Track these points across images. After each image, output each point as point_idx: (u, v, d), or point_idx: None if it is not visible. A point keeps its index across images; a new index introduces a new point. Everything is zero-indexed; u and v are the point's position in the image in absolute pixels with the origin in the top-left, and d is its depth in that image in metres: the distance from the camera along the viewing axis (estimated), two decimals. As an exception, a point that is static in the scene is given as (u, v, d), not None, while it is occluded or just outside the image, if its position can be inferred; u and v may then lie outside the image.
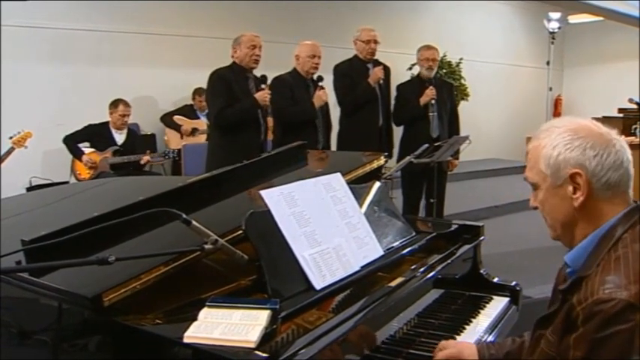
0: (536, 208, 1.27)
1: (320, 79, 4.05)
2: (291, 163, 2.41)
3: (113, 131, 5.23)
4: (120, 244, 1.56)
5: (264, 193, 1.61)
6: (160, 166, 5.99)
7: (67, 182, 4.95)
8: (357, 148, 3.48)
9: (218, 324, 1.24)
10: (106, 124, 5.23)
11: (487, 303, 2.06)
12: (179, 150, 5.68)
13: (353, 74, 4.33)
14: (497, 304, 2.07)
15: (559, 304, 1.20)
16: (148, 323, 1.32)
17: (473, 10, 9.44)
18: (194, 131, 6.03)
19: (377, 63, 4.38)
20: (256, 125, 3.81)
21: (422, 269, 1.83)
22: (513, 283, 2.16)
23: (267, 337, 1.22)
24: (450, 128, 4.58)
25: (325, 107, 4.13)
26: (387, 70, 4.44)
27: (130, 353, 1.31)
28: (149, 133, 6.10)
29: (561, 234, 1.25)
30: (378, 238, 1.84)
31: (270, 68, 4.01)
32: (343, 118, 4.43)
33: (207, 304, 1.31)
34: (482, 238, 2.21)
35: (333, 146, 4.44)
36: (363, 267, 1.70)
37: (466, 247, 2.12)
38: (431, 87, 4.40)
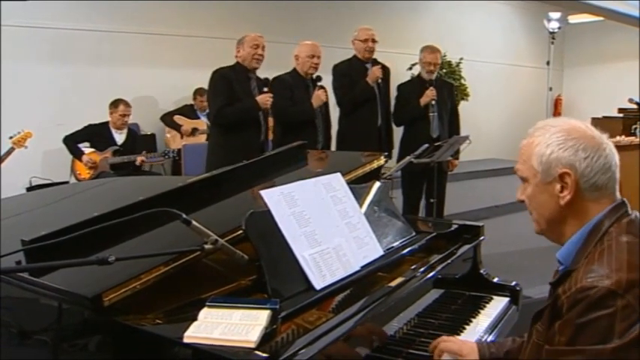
0: (522, 201, 1.32)
1: (319, 78, 4.05)
2: (291, 163, 2.41)
3: (113, 131, 5.23)
4: (120, 244, 1.56)
5: (264, 193, 1.61)
6: (160, 166, 5.99)
7: (67, 182, 4.95)
8: (356, 148, 3.48)
9: (218, 324, 1.24)
10: (106, 124, 5.23)
11: (487, 303, 2.06)
12: (179, 150, 5.68)
13: (352, 74, 4.34)
14: (498, 304, 2.07)
15: (549, 298, 1.24)
16: (148, 323, 1.32)
17: (473, 10, 9.44)
18: (194, 131, 6.03)
19: (376, 63, 4.38)
20: (256, 125, 3.81)
21: (422, 269, 1.83)
22: (513, 283, 2.16)
23: (267, 337, 1.22)
24: (450, 128, 4.58)
25: (325, 107, 4.13)
26: (386, 70, 4.44)
27: (130, 353, 1.31)
28: (149, 133, 6.10)
29: (545, 229, 1.30)
30: (378, 238, 1.84)
31: (270, 68, 4.01)
32: (342, 118, 4.43)
33: (207, 304, 1.31)
34: (482, 238, 2.21)
35: (333, 146, 4.44)
36: (363, 267, 1.70)
37: (466, 247, 2.12)
38: (431, 88, 4.40)
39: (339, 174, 1.88)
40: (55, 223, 1.58)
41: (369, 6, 7.62)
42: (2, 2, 5.00)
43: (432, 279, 1.88)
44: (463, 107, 7.96)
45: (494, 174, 8.47)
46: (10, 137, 4.45)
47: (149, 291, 1.40)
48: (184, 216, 1.39)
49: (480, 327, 1.89)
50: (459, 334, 1.80)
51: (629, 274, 1.11)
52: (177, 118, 6.09)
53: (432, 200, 4.39)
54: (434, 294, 1.92)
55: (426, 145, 3.94)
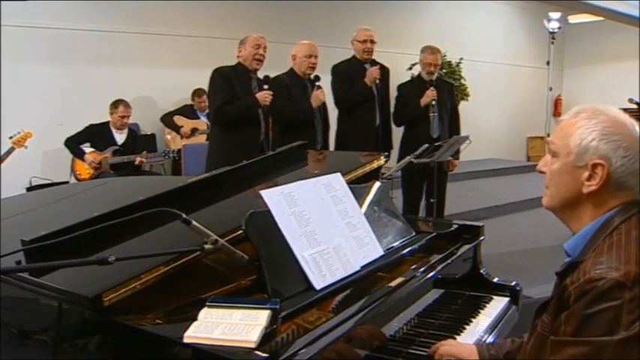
0: (542, 172, 1.30)
1: (317, 78, 4.04)
2: (291, 163, 2.41)
3: (114, 131, 5.24)
4: (120, 244, 1.56)
5: (264, 193, 1.61)
6: (160, 166, 5.99)
7: (67, 182, 4.95)
8: (354, 148, 3.49)
9: (218, 324, 1.24)
10: (107, 124, 5.23)
11: (487, 303, 2.06)
12: (179, 150, 5.68)
13: (350, 74, 4.34)
14: (498, 304, 2.07)
15: (555, 289, 1.24)
16: (148, 323, 1.32)
17: (473, 10, 9.44)
18: (194, 131, 6.04)
19: (374, 63, 4.38)
20: (256, 123, 3.81)
21: (422, 269, 1.83)
22: (513, 283, 2.16)
23: (267, 337, 1.22)
24: (451, 128, 4.58)
25: (323, 107, 4.12)
26: (385, 71, 4.44)
27: (130, 353, 1.31)
28: (149, 133, 6.10)
29: (556, 207, 1.28)
30: (378, 238, 1.84)
31: (270, 68, 4.01)
32: (340, 118, 4.43)
33: (207, 304, 1.31)
34: (482, 238, 2.21)
35: (332, 146, 4.44)
36: (363, 267, 1.70)
37: (466, 247, 2.12)
38: (432, 88, 4.40)
39: (339, 174, 1.88)
40: (55, 223, 1.58)
41: (369, 6, 7.62)
42: (2, 2, 5.00)
43: (432, 279, 1.88)
44: (463, 107, 7.95)
45: (494, 174, 8.48)
46: (10, 137, 4.46)
47: (149, 291, 1.40)
48: (184, 216, 1.39)
49: (480, 327, 1.89)
50: (459, 334, 1.80)
51: (638, 268, 1.11)
52: (177, 119, 6.09)
53: (432, 200, 4.39)
54: (434, 294, 1.92)
55: (426, 145, 3.94)
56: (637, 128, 1.22)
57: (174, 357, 1.26)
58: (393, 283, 1.67)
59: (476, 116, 8.46)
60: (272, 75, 3.95)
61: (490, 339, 1.84)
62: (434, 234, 2.11)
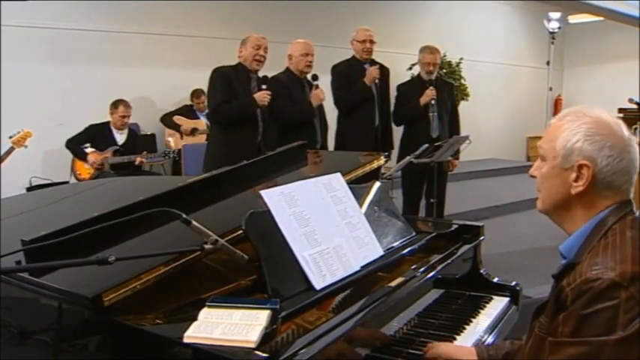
0: (533, 176, 1.32)
1: (315, 77, 4.03)
2: (291, 163, 2.41)
3: (114, 131, 5.23)
4: (120, 244, 1.56)
5: (264, 193, 1.61)
6: (160, 166, 5.99)
7: (67, 182, 4.95)
8: (354, 148, 3.48)
9: (218, 324, 1.24)
10: (107, 124, 5.23)
11: (487, 303, 2.06)
12: (179, 150, 5.68)
13: (350, 74, 4.34)
14: (498, 304, 2.07)
15: (552, 291, 1.25)
16: (148, 323, 1.32)
17: (473, 10, 9.44)
18: (194, 131, 6.03)
19: (374, 63, 4.38)
20: (253, 124, 3.80)
21: (422, 269, 1.83)
22: (513, 283, 2.16)
23: (267, 337, 1.22)
24: (450, 128, 4.58)
25: (321, 107, 4.12)
26: (385, 71, 4.44)
27: (130, 353, 1.31)
28: (149, 133, 6.10)
29: (549, 210, 1.30)
30: (378, 238, 1.84)
31: (271, 68, 4.00)
32: (340, 118, 4.43)
33: (207, 304, 1.31)
34: (482, 238, 2.21)
35: (330, 146, 4.44)
36: (363, 267, 1.70)
37: (466, 247, 2.12)
38: (431, 87, 4.40)
39: (339, 174, 1.88)
40: (55, 223, 1.58)
41: (369, 6, 7.62)
42: (2, 2, 5.00)
43: (432, 279, 1.88)
44: (463, 107, 7.95)
45: (494, 174, 8.47)
46: (10, 137, 4.45)
47: (149, 291, 1.40)
48: (184, 216, 1.39)
49: (480, 327, 1.89)
50: (459, 334, 1.80)
51: (634, 267, 1.12)
52: (177, 119, 6.09)
53: (432, 200, 4.39)
54: (434, 294, 1.92)
55: (426, 145, 3.94)
56: (623, 128, 1.24)
57: (174, 357, 1.26)
58: (393, 283, 1.67)
59: (476, 116, 8.46)
60: (272, 75, 3.95)
61: (490, 339, 1.84)
62: (434, 234, 2.11)
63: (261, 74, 3.88)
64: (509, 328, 2.01)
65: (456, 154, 4.50)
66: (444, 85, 4.75)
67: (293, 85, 3.98)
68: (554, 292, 1.23)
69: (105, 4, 5.77)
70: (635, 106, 6.65)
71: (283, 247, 1.55)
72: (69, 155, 5.12)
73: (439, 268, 1.91)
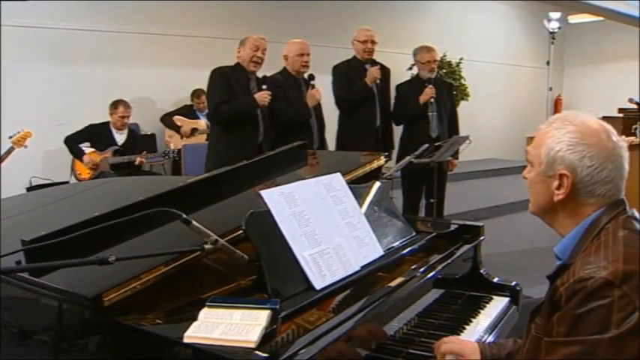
0: (525, 178, 1.35)
1: (311, 77, 4.03)
2: (291, 163, 2.41)
3: (114, 131, 5.24)
4: (120, 244, 1.56)
5: (264, 193, 1.61)
6: (160, 166, 5.99)
7: (67, 182, 4.95)
8: (354, 148, 3.47)
9: (218, 324, 1.24)
10: (107, 124, 5.23)
11: (487, 303, 2.06)
12: (179, 150, 5.68)
13: (351, 74, 4.33)
14: (498, 304, 2.07)
15: (547, 292, 1.26)
16: (148, 323, 1.32)
17: (473, 10, 9.44)
18: (194, 131, 6.04)
19: (375, 63, 4.38)
20: (254, 123, 3.79)
21: (422, 269, 1.83)
22: (513, 283, 2.16)
23: (267, 337, 1.22)
24: (450, 128, 4.58)
25: (318, 107, 4.11)
26: (386, 71, 4.44)
27: (130, 353, 1.31)
28: (149, 133, 6.10)
29: (538, 213, 1.33)
30: (378, 238, 1.84)
31: (271, 68, 4.00)
32: (341, 118, 4.43)
33: (208, 304, 1.31)
34: (482, 238, 2.21)
35: (331, 146, 4.44)
36: (363, 267, 1.70)
37: (466, 247, 2.12)
38: (430, 86, 4.40)
39: (339, 174, 1.88)
40: (56, 223, 1.58)
41: (369, 6, 7.62)
42: (2, 2, 5.00)
43: (432, 279, 1.88)
44: (463, 107, 7.97)
45: (494, 174, 8.47)
46: (10, 137, 4.45)
47: (149, 291, 1.40)
48: (184, 216, 1.39)
49: (480, 327, 1.89)
50: (459, 334, 1.80)
51: (626, 265, 1.12)
52: (177, 119, 6.09)
53: (432, 200, 4.39)
54: (434, 294, 1.92)
55: (426, 145, 3.94)
56: (611, 136, 1.24)
57: (174, 357, 1.26)
58: (393, 283, 1.67)
59: (476, 116, 8.46)
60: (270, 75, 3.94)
61: (490, 339, 1.84)
62: (434, 234, 2.11)
63: (260, 74, 3.88)
64: (509, 328, 2.01)
65: (455, 154, 4.50)
66: (443, 84, 4.75)
67: (289, 85, 3.97)
68: (548, 293, 1.23)
69: (105, 4, 5.77)
70: (635, 106, 6.65)
71: (283, 247, 1.55)
72: (69, 155, 5.12)
73: (439, 268, 1.91)
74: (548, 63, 9.03)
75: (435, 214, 4.38)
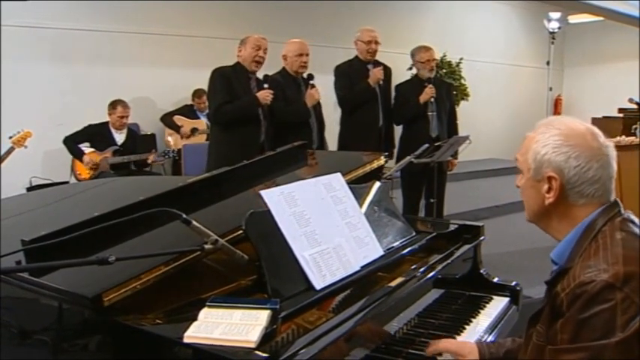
0: (518, 187, 1.35)
1: (310, 77, 4.02)
2: (291, 163, 2.41)
3: (113, 131, 5.24)
4: (120, 244, 1.56)
5: (264, 193, 1.61)
6: (160, 166, 5.99)
7: (67, 182, 4.95)
8: (357, 148, 3.46)
9: (218, 324, 1.24)
10: (106, 124, 5.23)
11: (487, 303, 2.06)
12: (179, 150, 5.68)
13: (353, 74, 4.33)
14: (498, 304, 2.07)
15: (546, 298, 1.25)
16: (148, 323, 1.32)
17: (473, 10, 9.44)
18: (194, 131, 6.04)
19: (377, 63, 4.38)
20: (256, 123, 3.78)
21: (422, 269, 1.83)
22: (513, 283, 2.16)
23: (267, 337, 1.22)
24: (449, 128, 4.58)
25: (318, 106, 4.10)
26: (388, 71, 4.44)
27: (130, 353, 1.31)
28: (149, 133, 6.10)
29: (534, 219, 1.34)
30: (378, 238, 1.84)
31: (271, 68, 4.00)
32: (343, 118, 4.43)
33: (208, 304, 1.31)
34: (482, 238, 2.21)
35: (332, 146, 4.44)
36: (363, 267, 1.70)
37: (466, 247, 2.12)
38: (430, 85, 4.40)
39: (339, 174, 1.88)
40: (56, 223, 1.58)
41: (370, 6, 7.62)
42: (2, 2, 5.00)
43: (432, 279, 1.88)
44: (463, 107, 7.97)
45: (494, 174, 8.47)
46: (10, 137, 4.45)
47: (149, 291, 1.40)
48: (184, 216, 1.39)
49: (480, 327, 1.89)
50: (459, 334, 1.80)
51: (626, 267, 1.12)
52: (177, 119, 6.09)
53: (432, 200, 4.39)
54: (434, 294, 1.92)
55: (426, 145, 3.94)
56: (597, 137, 1.24)
57: (174, 357, 1.26)
58: (393, 283, 1.67)
59: (476, 116, 8.46)
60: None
61: (490, 339, 1.84)
62: (434, 234, 2.11)
63: (261, 74, 3.87)
64: (509, 328, 2.01)
65: (455, 154, 4.50)
66: (442, 84, 4.75)
67: (288, 86, 3.96)
68: (549, 299, 1.23)
69: (105, 4, 5.77)
70: (635, 106, 6.66)
71: (283, 247, 1.55)
72: (69, 155, 5.13)
73: (439, 268, 1.91)
74: (548, 63, 9.03)
75: (435, 214, 4.38)
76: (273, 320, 1.25)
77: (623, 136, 5.25)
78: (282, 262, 1.53)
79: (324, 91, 4.14)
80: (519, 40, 10.45)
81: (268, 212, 1.58)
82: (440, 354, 1.56)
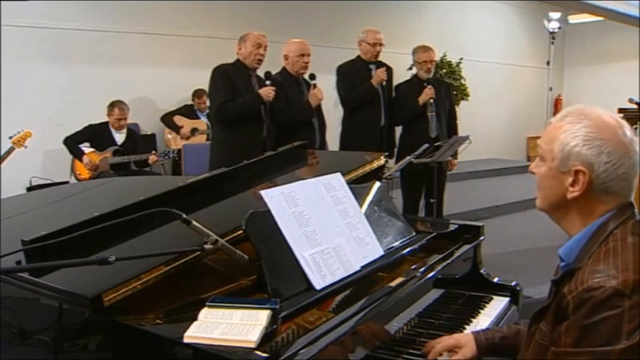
0: (533, 173, 1.30)
1: (312, 77, 4.01)
2: (291, 163, 2.41)
3: (113, 131, 5.24)
4: (120, 244, 1.56)
5: (264, 193, 1.60)
6: (160, 166, 5.99)
7: (67, 182, 4.95)
8: (359, 148, 3.46)
9: (218, 324, 1.24)
10: (106, 124, 5.23)
11: (487, 303, 2.06)
12: (179, 150, 5.68)
13: (355, 74, 4.33)
14: (498, 303, 2.07)
15: (551, 296, 1.24)
16: (148, 323, 1.32)
17: (473, 10, 9.44)
18: (194, 131, 6.04)
19: (380, 64, 4.37)
20: (258, 121, 3.76)
21: (422, 269, 1.83)
22: (513, 283, 2.16)
23: (267, 337, 1.22)
24: (449, 128, 4.58)
25: (319, 106, 4.08)
26: (390, 71, 4.44)
27: (130, 353, 1.31)
28: (149, 133, 6.10)
29: (548, 209, 1.28)
30: (379, 238, 1.84)
31: (271, 68, 4.00)
32: (345, 118, 4.43)
33: (208, 304, 1.31)
34: (482, 238, 2.21)
35: (335, 146, 4.44)
36: (363, 267, 1.69)
37: (466, 247, 2.12)
38: (430, 86, 4.40)
39: (339, 174, 1.88)
40: (56, 223, 1.58)
41: (370, 6, 7.63)
42: (2, 2, 5.00)
43: (432, 279, 1.88)
44: (463, 107, 7.98)
45: (495, 174, 8.48)
46: (10, 137, 4.45)
47: (149, 291, 1.40)
48: (184, 216, 1.39)
49: (480, 327, 1.88)
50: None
51: (636, 275, 1.10)
52: (177, 119, 6.09)
53: (432, 200, 4.39)
54: (434, 294, 1.92)
55: (426, 145, 3.94)
56: (626, 131, 1.20)
57: (175, 357, 1.26)
58: (393, 283, 1.67)
59: (476, 116, 8.47)
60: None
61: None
62: (434, 234, 2.11)
63: (261, 72, 3.86)
64: (509, 328, 2.01)
65: (454, 154, 4.50)
66: (442, 84, 4.75)
67: (289, 86, 3.95)
68: (554, 300, 1.20)
69: (106, 4, 5.78)
70: (635, 106, 6.65)
71: (283, 247, 1.55)
72: (69, 155, 5.13)
73: (439, 268, 1.91)
74: (548, 63, 9.04)
75: (435, 214, 4.38)
76: (273, 320, 1.25)
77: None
78: (282, 262, 1.53)
79: (324, 91, 4.13)
80: (519, 40, 10.46)
81: (268, 212, 1.58)
82: (440, 354, 1.56)
